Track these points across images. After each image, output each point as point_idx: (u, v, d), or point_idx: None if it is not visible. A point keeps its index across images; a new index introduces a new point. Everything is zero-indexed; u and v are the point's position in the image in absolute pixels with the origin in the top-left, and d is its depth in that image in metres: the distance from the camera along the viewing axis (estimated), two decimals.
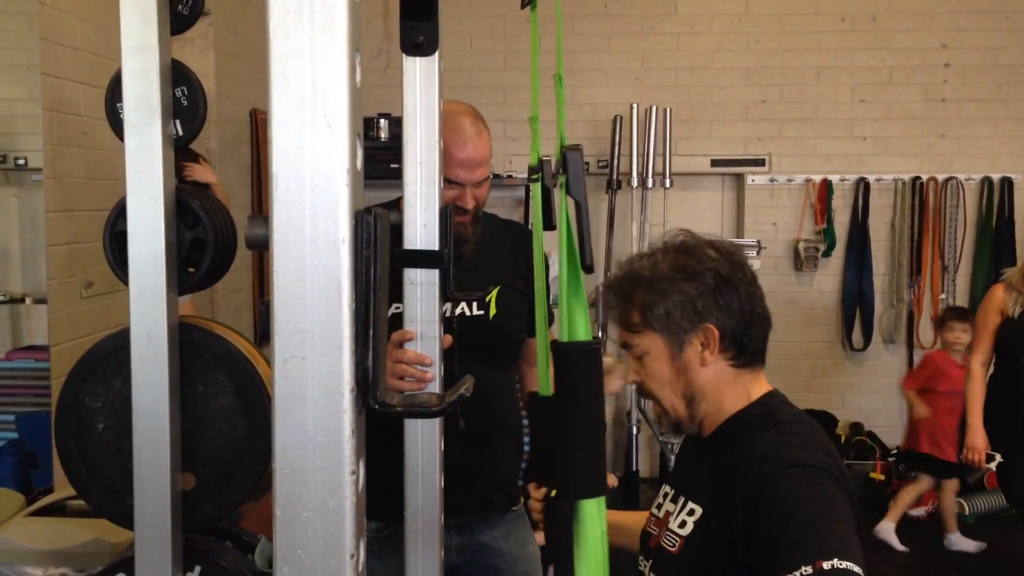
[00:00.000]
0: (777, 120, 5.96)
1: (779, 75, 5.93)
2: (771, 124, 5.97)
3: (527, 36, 6.49)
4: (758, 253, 5.75)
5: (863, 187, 5.87)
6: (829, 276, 5.94)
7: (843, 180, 5.92)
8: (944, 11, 5.85)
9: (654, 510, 1.57)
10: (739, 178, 6.07)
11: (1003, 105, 5.85)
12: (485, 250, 2.30)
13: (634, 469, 5.74)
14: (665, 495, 1.57)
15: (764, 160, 5.97)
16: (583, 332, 1.34)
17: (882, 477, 5.51)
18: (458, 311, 2.26)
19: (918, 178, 5.82)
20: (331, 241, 0.72)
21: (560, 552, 1.35)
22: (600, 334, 5.52)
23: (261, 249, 0.77)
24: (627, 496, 5.66)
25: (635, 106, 5.84)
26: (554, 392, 1.33)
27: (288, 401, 0.71)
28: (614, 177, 5.83)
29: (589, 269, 1.30)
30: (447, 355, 1.70)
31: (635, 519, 1.83)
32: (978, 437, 3.75)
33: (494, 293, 2.30)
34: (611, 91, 5.95)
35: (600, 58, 5.98)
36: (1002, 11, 5.83)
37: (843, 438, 5.62)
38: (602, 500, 1.34)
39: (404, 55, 1.70)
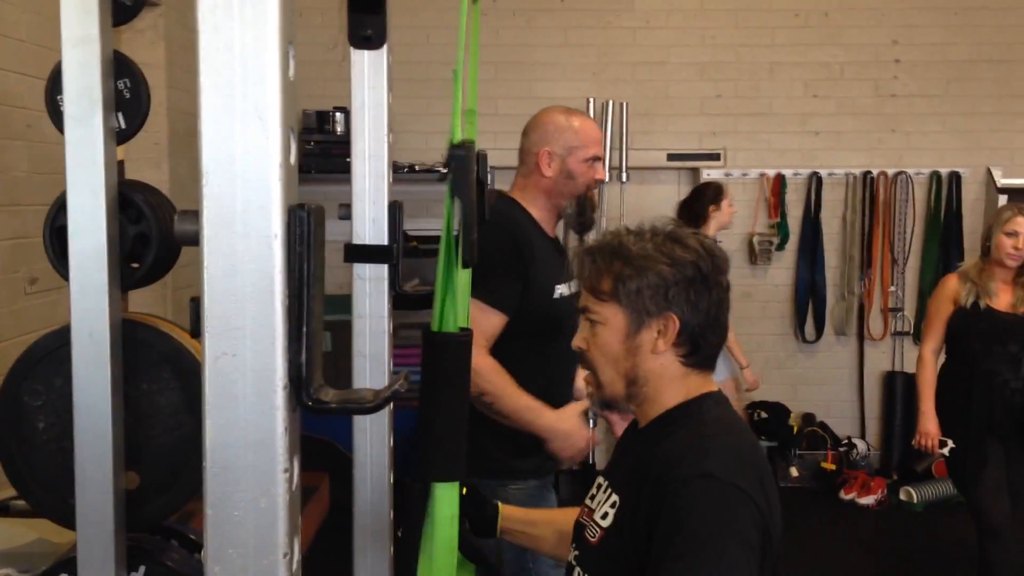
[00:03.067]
0: (732, 115, 6.01)
1: (734, 70, 5.98)
2: (726, 119, 6.01)
3: (487, 30, 6.46)
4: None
5: (815, 181, 5.94)
6: (782, 269, 6.00)
7: (796, 174, 5.98)
8: (894, 7, 5.93)
9: (587, 500, 1.58)
10: (695, 172, 6.11)
11: (951, 100, 5.95)
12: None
13: (591, 462, 5.76)
14: (598, 486, 1.58)
15: (719, 154, 6.02)
16: (453, 324, 1.33)
17: (833, 467, 5.60)
18: (566, 291, 2.59)
19: (869, 172, 5.90)
20: (263, 237, 0.71)
21: (409, 530, 1.37)
22: None
23: (192, 245, 0.76)
24: (585, 489, 5.68)
25: (592, 100, 5.85)
26: (421, 377, 1.34)
27: (219, 399, 0.70)
28: None
29: (467, 264, 1.31)
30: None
31: (551, 519, 1.83)
32: (930, 423, 3.81)
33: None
34: (568, 85, 5.96)
35: (557, 52, 5.98)
36: (951, 7, 5.92)
37: (795, 429, 5.69)
38: (455, 486, 1.35)
39: (352, 48, 1.69)
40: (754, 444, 1.50)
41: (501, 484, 2.48)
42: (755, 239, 5.95)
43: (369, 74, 1.62)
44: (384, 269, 1.64)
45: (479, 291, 2.25)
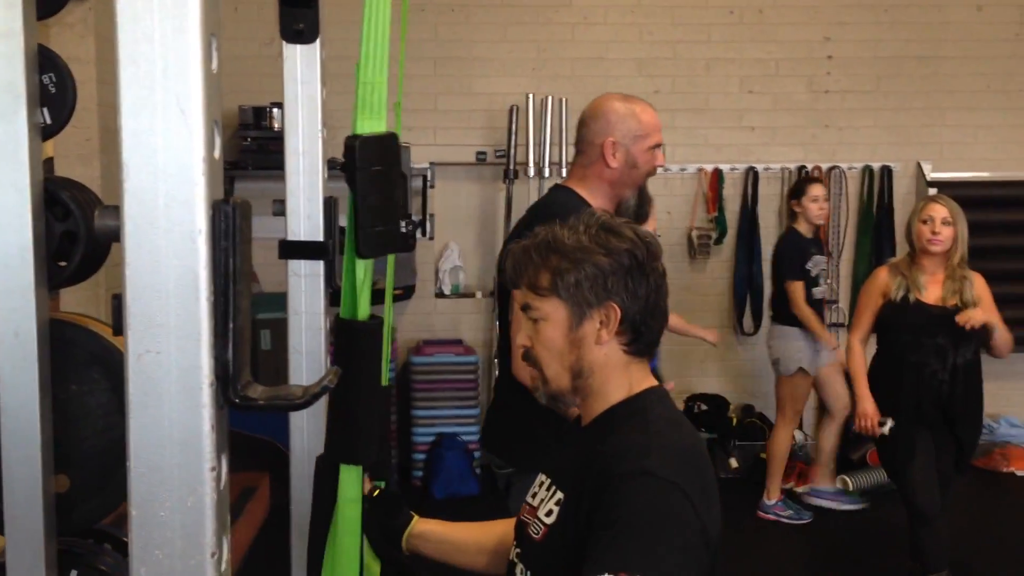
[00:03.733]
0: (670, 110, 6.05)
1: (671, 66, 6.04)
2: (664, 114, 5.97)
3: (425, 26, 6.45)
4: None
5: (752, 176, 6.02)
6: (721, 263, 6.08)
7: (733, 169, 6.06)
8: (827, 4, 6.04)
9: (529, 498, 1.58)
10: None
11: (883, 96, 6.08)
12: None
13: None
14: (541, 483, 1.58)
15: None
16: (364, 312, 1.35)
17: None
18: None
19: (803, 167, 6.00)
20: (187, 232, 0.70)
21: (317, 511, 1.39)
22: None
23: (114, 241, 0.74)
24: None
25: (531, 96, 5.86)
26: (332, 363, 1.35)
27: (143, 397, 0.69)
28: (511, 167, 5.85)
29: (361, 255, 1.31)
30: None
31: (473, 536, 1.80)
32: (867, 404, 3.85)
33: None
34: (507, 81, 5.96)
35: (496, 48, 5.98)
36: (881, 5, 6.05)
37: (734, 420, 5.77)
38: (358, 469, 1.38)
39: (284, 42, 1.67)
40: (695, 442, 1.51)
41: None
42: (693, 233, 6.02)
43: (302, 69, 1.60)
44: (320, 266, 1.63)
45: None
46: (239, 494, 4.37)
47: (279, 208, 1.59)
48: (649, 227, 4.75)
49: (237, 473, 4.46)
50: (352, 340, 1.34)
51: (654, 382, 1.54)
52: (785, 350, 4.95)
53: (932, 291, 3.78)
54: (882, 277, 3.91)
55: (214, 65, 0.74)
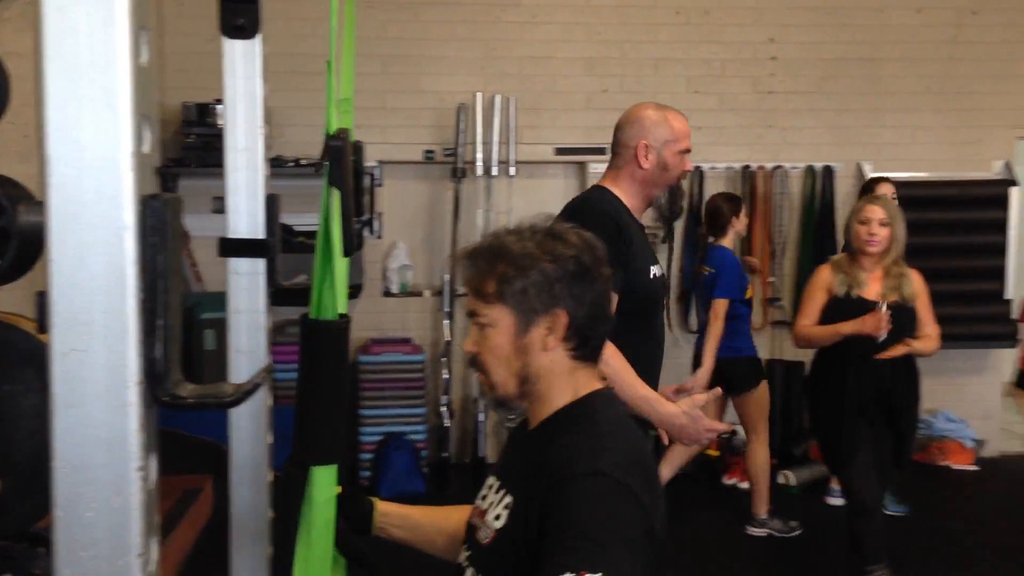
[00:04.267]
0: (618, 109, 5.99)
1: (619, 66, 6.07)
2: (612, 113, 6.01)
3: (374, 24, 6.40)
4: None
5: (698, 175, 6.08)
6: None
7: None
8: (771, 6, 6.12)
9: (479, 501, 1.58)
10: (582, 166, 6.19)
11: (825, 97, 6.18)
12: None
13: (481, 455, 5.79)
14: (490, 486, 1.58)
15: (606, 149, 6.07)
16: (332, 311, 1.34)
17: (717, 453, 5.76)
18: (657, 272, 2.81)
19: (748, 166, 6.08)
20: (114, 228, 0.69)
21: (287, 515, 1.39)
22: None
23: (38, 237, 0.73)
24: (474, 482, 5.70)
25: (479, 95, 5.86)
26: (299, 363, 1.34)
27: (69, 396, 0.68)
28: (459, 165, 5.84)
29: (348, 253, 1.30)
30: None
31: (431, 517, 1.81)
32: (849, 325, 3.77)
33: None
34: (456, 79, 5.95)
35: (444, 46, 5.97)
36: (824, 7, 6.15)
37: None
38: (333, 468, 1.37)
39: (224, 38, 1.65)
40: (642, 443, 1.52)
41: None
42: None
43: (242, 64, 1.58)
44: (261, 264, 1.61)
45: None
46: (181, 496, 4.30)
47: (218, 205, 1.57)
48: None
49: (179, 475, 4.38)
50: (323, 340, 1.33)
51: (600, 385, 1.55)
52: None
53: (872, 287, 3.85)
54: (824, 274, 3.97)
55: (144, 59, 0.73)
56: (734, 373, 4.68)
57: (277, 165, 5.61)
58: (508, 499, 1.48)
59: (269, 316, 1.63)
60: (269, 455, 1.58)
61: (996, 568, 4.48)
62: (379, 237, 5.98)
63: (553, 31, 6.03)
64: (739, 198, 5.04)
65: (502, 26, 5.99)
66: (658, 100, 6.19)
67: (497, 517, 1.48)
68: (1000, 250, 6.11)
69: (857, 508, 3.84)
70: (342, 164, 1.23)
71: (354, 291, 5.67)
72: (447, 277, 5.84)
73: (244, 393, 0.77)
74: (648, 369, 2.71)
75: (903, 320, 3.82)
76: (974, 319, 5.98)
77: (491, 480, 1.59)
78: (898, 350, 3.74)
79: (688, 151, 2.85)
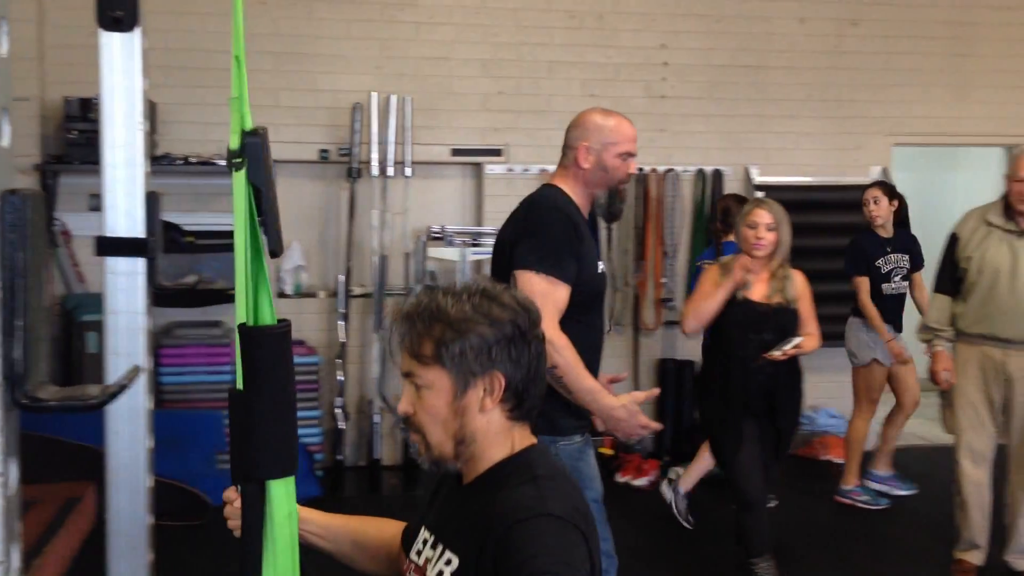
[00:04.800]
0: (513, 112, 6.14)
1: (515, 68, 6.11)
2: (508, 115, 6.14)
3: (266, 20, 6.29)
4: None
5: None
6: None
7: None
8: (663, 13, 6.25)
9: (413, 555, 1.58)
10: (478, 167, 6.21)
11: (715, 103, 6.34)
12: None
13: (376, 457, 5.75)
14: (424, 541, 1.58)
15: (501, 150, 6.14)
16: (269, 316, 1.32)
17: (611, 452, 5.85)
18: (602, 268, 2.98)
19: (641, 169, 6.18)
20: None
21: (249, 533, 1.34)
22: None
23: None
24: (370, 485, 5.66)
25: (375, 94, 5.82)
26: (243, 374, 1.30)
27: None
28: (354, 165, 5.79)
29: (275, 254, 1.27)
30: None
31: (354, 531, 1.77)
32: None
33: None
34: (351, 78, 5.90)
35: (339, 44, 5.91)
36: (713, 15, 6.31)
37: None
38: (290, 481, 1.34)
39: (101, 30, 1.60)
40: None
41: (552, 441, 2.64)
42: None
43: (120, 58, 1.54)
44: (140, 263, 1.57)
45: (550, 268, 2.74)
46: (62, 504, 4.15)
47: (95, 203, 1.53)
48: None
49: (60, 483, 4.22)
50: (266, 348, 1.29)
51: (534, 440, 1.58)
52: (857, 342, 5.22)
53: (758, 289, 3.97)
54: (713, 275, 4.07)
55: (3, 50, 0.71)
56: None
57: (165, 163, 5.46)
58: (449, 555, 1.49)
59: (150, 318, 1.59)
60: (149, 460, 1.54)
61: (875, 556, 4.67)
62: None
63: (449, 32, 6.03)
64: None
65: (398, 26, 5.96)
66: (552, 103, 6.33)
67: (439, 574, 1.49)
68: None
69: (742, 501, 3.95)
70: (261, 161, 1.20)
71: None
72: (342, 278, 5.78)
73: (110, 396, 0.75)
74: (590, 357, 2.86)
75: (787, 321, 3.95)
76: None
77: (425, 534, 1.59)
78: (786, 352, 3.85)
79: (629, 155, 2.93)
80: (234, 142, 1.25)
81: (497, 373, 1.48)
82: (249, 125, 1.23)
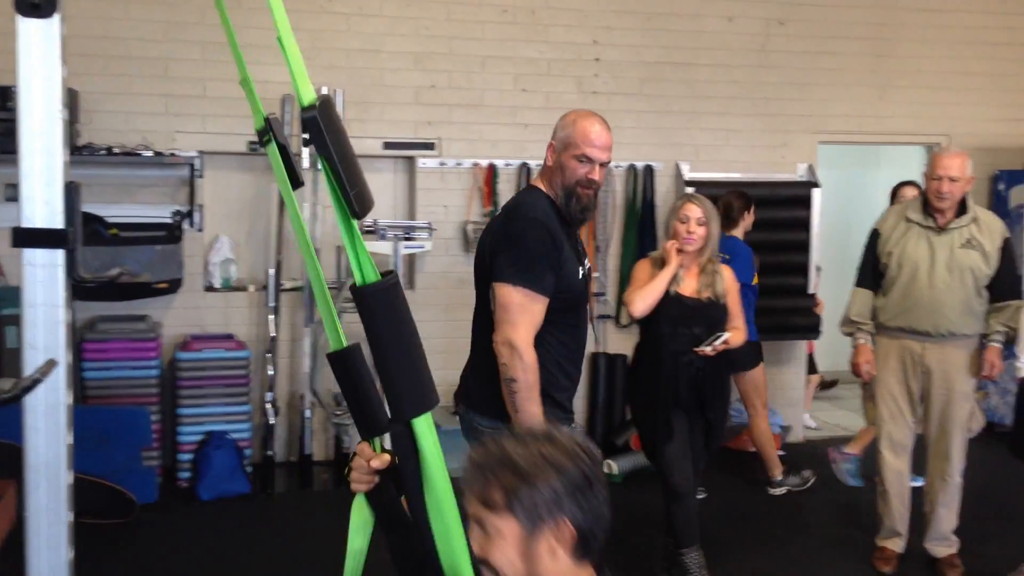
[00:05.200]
0: (446, 105, 6.13)
1: (447, 61, 6.10)
2: (440, 109, 6.13)
3: (192, 8, 6.17)
4: (429, 235, 5.89)
5: (526, 172, 6.19)
6: None
7: (508, 165, 6.20)
8: (595, 9, 6.29)
9: None
10: (410, 161, 6.18)
11: (646, 99, 6.40)
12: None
13: (308, 452, 5.69)
14: None
15: (434, 144, 6.12)
16: (372, 273, 1.34)
17: None
18: (586, 270, 3.04)
19: None
20: None
21: (408, 473, 1.43)
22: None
23: None
24: (301, 481, 5.61)
25: None
26: (366, 331, 1.35)
27: None
28: None
29: (357, 215, 1.29)
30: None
31: None
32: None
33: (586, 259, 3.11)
34: (280, 69, 5.64)
35: (268, 34, 5.71)
36: (644, 12, 6.37)
37: None
38: (429, 416, 1.43)
39: (19, 16, 1.56)
40: None
41: (490, 426, 2.88)
42: (469, 227, 6.12)
43: (39, 45, 1.49)
44: (59, 255, 1.53)
45: (528, 282, 2.79)
46: None
47: (11, 193, 1.49)
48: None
49: None
50: (379, 302, 1.33)
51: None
52: None
53: (688, 284, 4.02)
54: (645, 269, 4.11)
55: None
56: (737, 354, 4.97)
57: (87, 153, 5.33)
58: None
59: (69, 311, 1.55)
60: (69, 456, 1.51)
61: (800, 545, 4.78)
62: (200, 230, 5.78)
63: (380, 24, 5.99)
64: (750, 196, 5.47)
65: (328, 17, 5.90)
66: (485, 98, 6.35)
67: None
68: (804, 247, 6.51)
69: (672, 493, 4.01)
70: (321, 134, 1.21)
71: (171, 286, 5.46)
72: (272, 271, 5.71)
73: (23, 390, 0.74)
74: (575, 353, 3.05)
75: (717, 315, 4.02)
76: (781, 312, 6.34)
77: None
78: (715, 347, 3.92)
79: (587, 158, 2.91)
80: (258, 122, 1.26)
81: (566, 521, 1.50)
82: (306, 101, 1.25)
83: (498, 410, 2.88)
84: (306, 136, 1.25)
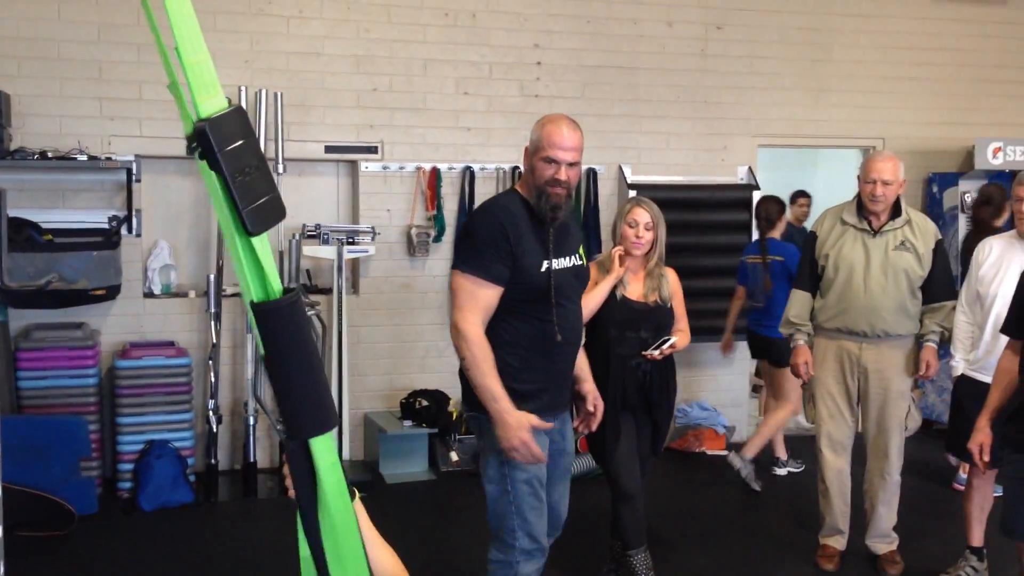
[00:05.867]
0: (388, 109, 6.10)
1: (388, 65, 6.07)
2: (382, 112, 6.09)
3: (128, 9, 6.07)
4: (373, 239, 5.86)
5: (469, 175, 6.19)
6: (440, 260, 6.19)
7: (451, 168, 6.19)
8: (535, 13, 6.31)
9: None
10: (353, 164, 6.14)
11: (587, 103, 6.44)
12: (569, 224, 3.24)
13: (252, 460, 5.62)
14: None
15: (377, 148, 6.09)
16: (276, 288, 1.31)
17: None
18: (561, 265, 3.12)
19: (517, 167, 6.23)
20: None
21: (300, 490, 1.40)
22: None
23: None
24: (245, 489, 5.53)
25: (244, 89, 5.69)
26: (264, 346, 1.32)
27: None
28: None
29: (252, 233, 1.26)
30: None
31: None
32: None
33: (581, 249, 3.26)
34: (218, 72, 5.61)
35: (206, 36, 5.59)
36: (584, 16, 6.41)
37: (454, 415, 5.90)
38: (329, 436, 1.39)
39: None
40: None
41: (487, 415, 3.03)
42: (413, 231, 6.10)
43: None
44: None
45: (475, 269, 2.99)
46: None
47: None
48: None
49: None
50: (276, 321, 1.30)
51: None
52: None
53: (635, 288, 4.03)
54: (592, 273, 4.10)
55: None
56: (777, 349, 5.43)
57: (19, 157, 5.20)
58: None
59: None
60: None
61: (745, 544, 4.83)
62: (138, 235, 5.67)
63: (320, 27, 5.94)
64: (782, 201, 6.02)
65: (267, 19, 5.84)
66: (428, 101, 6.33)
67: None
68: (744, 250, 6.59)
69: (619, 495, 4.02)
70: (213, 150, 1.18)
71: (109, 292, 5.35)
72: (212, 276, 5.62)
73: None
74: (540, 345, 3.11)
75: (663, 319, 4.04)
76: (723, 314, 6.41)
77: None
78: (662, 352, 3.94)
79: (552, 160, 3.03)
80: (186, 128, 1.23)
81: None
82: (201, 114, 1.21)
83: (475, 399, 3.07)
84: (193, 147, 1.22)
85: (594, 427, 3.48)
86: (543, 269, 3.06)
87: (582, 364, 3.47)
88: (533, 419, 3.00)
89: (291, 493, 1.50)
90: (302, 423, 1.35)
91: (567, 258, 3.17)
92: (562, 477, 3.35)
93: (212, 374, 5.60)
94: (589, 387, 3.47)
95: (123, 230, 5.51)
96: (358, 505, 1.55)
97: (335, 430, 1.43)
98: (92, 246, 5.26)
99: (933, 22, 7.15)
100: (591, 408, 3.46)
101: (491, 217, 3.07)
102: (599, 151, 6.45)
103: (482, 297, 3.00)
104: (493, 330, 3.05)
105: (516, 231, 3.02)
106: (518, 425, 2.95)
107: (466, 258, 3.03)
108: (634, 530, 4.04)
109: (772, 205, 5.86)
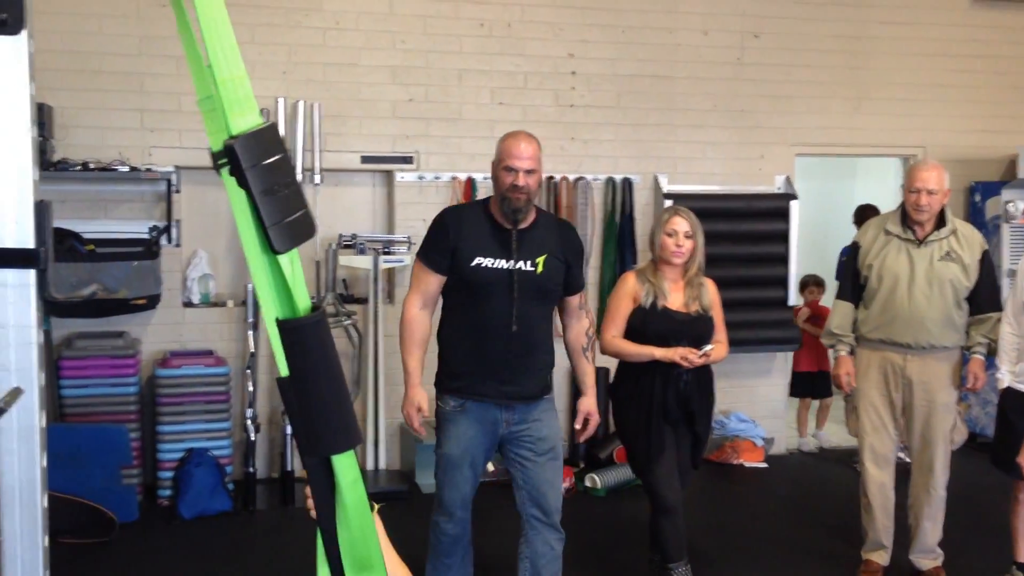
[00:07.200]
0: (423, 119, 6.12)
1: (424, 75, 6.09)
2: (418, 123, 6.11)
3: (168, 22, 6.17)
4: (408, 249, 5.87)
5: None
6: None
7: (486, 178, 6.16)
8: (570, 23, 6.30)
9: None
10: (389, 175, 6.16)
11: (622, 112, 6.41)
12: (539, 230, 3.52)
13: (289, 468, 5.64)
14: None
15: (412, 157, 6.11)
16: (304, 306, 1.29)
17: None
18: (518, 266, 3.43)
19: (552, 177, 6.22)
20: None
21: (321, 506, 1.38)
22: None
23: None
24: (283, 497, 5.55)
25: (282, 100, 5.74)
26: (288, 364, 1.31)
27: None
28: None
29: (277, 251, 1.24)
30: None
31: None
32: (660, 350, 3.93)
33: (543, 258, 3.48)
34: (256, 84, 5.69)
35: (244, 50, 5.60)
36: (619, 26, 6.39)
37: None
38: (351, 454, 1.37)
39: None
40: None
41: (440, 396, 3.53)
42: None
43: (6, 61, 1.47)
44: (30, 275, 1.50)
45: (422, 257, 3.50)
46: None
47: None
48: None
49: None
50: (302, 338, 1.30)
51: None
52: None
53: (675, 297, 4.00)
54: (631, 282, 4.07)
55: None
56: None
57: (61, 168, 5.28)
58: None
59: (40, 331, 1.52)
60: (43, 480, 1.47)
61: (785, 558, 4.76)
62: (178, 245, 5.73)
63: (357, 38, 5.97)
64: (877, 209, 6.40)
65: (304, 31, 5.88)
66: (463, 111, 6.34)
67: None
68: (783, 259, 6.53)
69: (659, 508, 3.98)
70: (241, 167, 1.18)
71: (150, 302, 5.41)
72: (251, 286, 5.66)
73: None
74: (476, 339, 3.44)
75: (704, 329, 4.00)
76: (760, 325, 6.36)
77: None
78: (696, 358, 3.90)
79: (510, 169, 3.41)
80: (214, 144, 1.22)
81: None
82: (232, 131, 1.20)
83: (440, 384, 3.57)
84: (222, 163, 1.20)
85: (581, 439, 3.77)
86: (473, 264, 3.41)
87: (584, 379, 3.73)
88: (423, 402, 3.50)
89: (312, 513, 1.50)
90: (329, 440, 1.35)
91: (526, 261, 3.46)
92: (545, 463, 3.55)
93: (250, 383, 5.63)
94: (582, 403, 3.70)
95: (163, 240, 5.58)
96: (375, 517, 1.54)
97: (353, 454, 1.40)
98: (133, 256, 5.33)
99: (971, 29, 7.04)
100: (578, 426, 3.71)
101: (440, 216, 3.56)
102: (634, 160, 6.43)
103: (426, 282, 3.50)
104: (445, 313, 3.56)
105: (458, 229, 3.45)
106: (410, 402, 3.49)
107: (419, 249, 3.56)
108: (675, 543, 4.00)
109: (870, 212, 6.34)
